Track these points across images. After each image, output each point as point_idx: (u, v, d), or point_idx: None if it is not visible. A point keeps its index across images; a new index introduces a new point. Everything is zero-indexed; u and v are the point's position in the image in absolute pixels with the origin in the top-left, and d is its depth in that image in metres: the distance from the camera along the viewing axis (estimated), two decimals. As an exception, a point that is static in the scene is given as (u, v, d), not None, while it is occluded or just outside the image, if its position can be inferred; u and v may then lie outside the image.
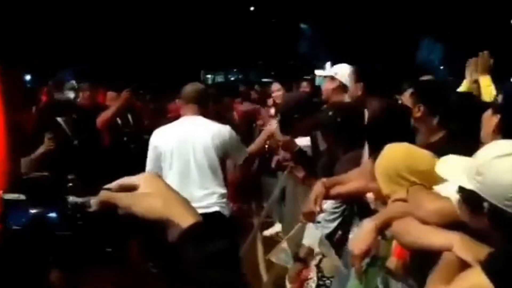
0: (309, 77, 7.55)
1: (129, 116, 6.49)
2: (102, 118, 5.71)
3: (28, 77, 18.78)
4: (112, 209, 1.05)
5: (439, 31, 15.91)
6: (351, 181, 2.81)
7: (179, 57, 19.74)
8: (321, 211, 2.89)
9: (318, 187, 2.84)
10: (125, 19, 18.36)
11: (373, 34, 17.15)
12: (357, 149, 3.05)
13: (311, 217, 2.94)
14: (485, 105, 2.50)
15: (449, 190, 1.97)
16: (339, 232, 3.24)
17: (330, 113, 3.21)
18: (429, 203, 2.05)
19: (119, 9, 17.88)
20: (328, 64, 20.32)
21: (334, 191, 2.86)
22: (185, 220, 1.04)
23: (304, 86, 6.79)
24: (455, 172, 1.84)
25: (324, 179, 2.89)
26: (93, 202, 1.07)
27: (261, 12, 19.27)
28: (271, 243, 5.35)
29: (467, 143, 2.18)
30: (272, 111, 6.31)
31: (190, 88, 3.89)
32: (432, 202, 2.05)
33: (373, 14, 16.94)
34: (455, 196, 1.89)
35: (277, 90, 6.17)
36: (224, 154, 3.78)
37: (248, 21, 19.48)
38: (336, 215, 3.18)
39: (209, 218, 3.09)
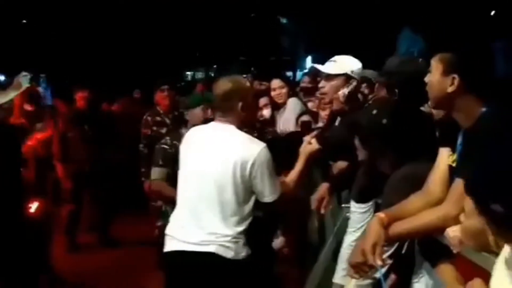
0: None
1: None
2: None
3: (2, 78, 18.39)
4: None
5: (419, 22, 15.88)
6: (413, 210, 1.98)
7: (158, 55, 19.52)
8: (384, 264, 1.97)
9: (375, 226, 1.94)
10: (103, 17, 18.09)
11: (353, 26, 17.08)
12: (409, 163, 2.27)
13: (366, 272, 1.97)
14: None
15: None
16: (392, 277, 2.38)
17: (374, 111, 2.39)
18: None
19: (99, 7, 17.61)
20: (309, 58, 20.33)
21: (396, 229, 1.96)
22: None
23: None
24: None
25: (381, 214, 1.99)
26: None
27: (240, 7, 19.11)
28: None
29: None
30: (267, 112, 4.89)
31: (221, 85, 2.79)
32: None
33: (352, 6, 16.88)
34: None
35: (279, 87, 4.97)
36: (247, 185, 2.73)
37: (227, 17, 19.31)
38: (387, 253, 2.26)
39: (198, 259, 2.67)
